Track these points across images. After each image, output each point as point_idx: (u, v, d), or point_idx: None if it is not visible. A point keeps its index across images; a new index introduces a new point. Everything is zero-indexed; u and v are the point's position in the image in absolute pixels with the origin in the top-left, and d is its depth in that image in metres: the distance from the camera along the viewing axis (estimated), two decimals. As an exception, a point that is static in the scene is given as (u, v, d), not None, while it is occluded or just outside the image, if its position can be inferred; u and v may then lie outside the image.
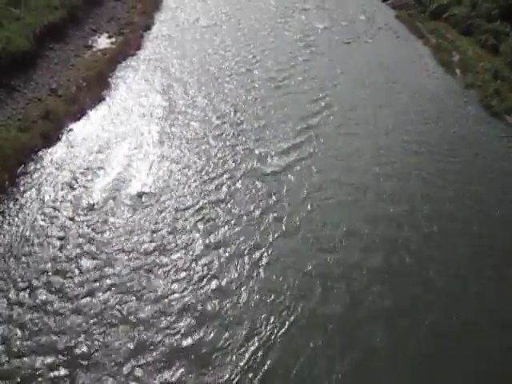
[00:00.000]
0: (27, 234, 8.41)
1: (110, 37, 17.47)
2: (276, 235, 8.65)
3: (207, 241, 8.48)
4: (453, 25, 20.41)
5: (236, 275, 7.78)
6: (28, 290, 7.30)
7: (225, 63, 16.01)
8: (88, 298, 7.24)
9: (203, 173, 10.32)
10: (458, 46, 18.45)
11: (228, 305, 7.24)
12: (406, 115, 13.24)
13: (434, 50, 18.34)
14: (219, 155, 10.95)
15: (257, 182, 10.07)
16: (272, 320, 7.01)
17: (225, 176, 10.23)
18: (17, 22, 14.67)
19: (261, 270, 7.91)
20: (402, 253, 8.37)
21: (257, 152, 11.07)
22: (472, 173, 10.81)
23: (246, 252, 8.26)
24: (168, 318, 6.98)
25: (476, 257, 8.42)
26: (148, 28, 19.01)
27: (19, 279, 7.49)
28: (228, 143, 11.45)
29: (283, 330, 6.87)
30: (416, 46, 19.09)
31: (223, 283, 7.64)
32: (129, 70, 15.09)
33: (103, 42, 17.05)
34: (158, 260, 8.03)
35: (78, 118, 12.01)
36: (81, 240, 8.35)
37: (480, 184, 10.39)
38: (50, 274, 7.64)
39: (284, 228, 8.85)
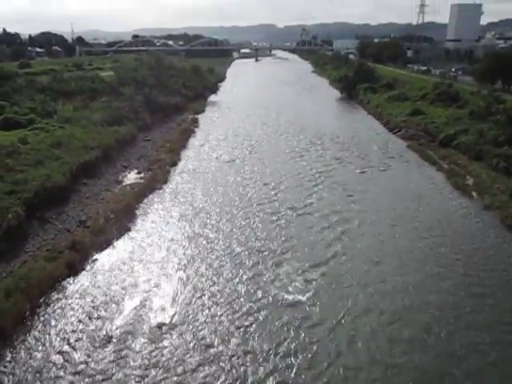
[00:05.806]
0: (42, 367, 8.05)
1: (139, 172, 18.89)
2: None
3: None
4: (462, 151, 21.40)
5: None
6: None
7: (245, 195, 16.69)
8: None
9: (222, 305, 10.04)
10: (470, 170, 19.06)
11: None
12: (431, 239, 13.14)
13: (447, 175, 18.92)
14: (238, 284, 10.83)
15: (274, 317, 9.68)
16: None
17: (241, 311, 9.88)
18: (56, 161, 16.15)
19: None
20: None
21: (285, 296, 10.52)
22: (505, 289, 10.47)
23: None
24: None
25: None
26: (175, 164, 20.56)
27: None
28: (250, 277, 11.24)
29: None
30: (429, 172, 19.78)
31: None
32: (155, 203, 15.85)
33: (132, 177, 18.35)
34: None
35: (104, 248, 12.30)
36: (96, 377, 7.91)
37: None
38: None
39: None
